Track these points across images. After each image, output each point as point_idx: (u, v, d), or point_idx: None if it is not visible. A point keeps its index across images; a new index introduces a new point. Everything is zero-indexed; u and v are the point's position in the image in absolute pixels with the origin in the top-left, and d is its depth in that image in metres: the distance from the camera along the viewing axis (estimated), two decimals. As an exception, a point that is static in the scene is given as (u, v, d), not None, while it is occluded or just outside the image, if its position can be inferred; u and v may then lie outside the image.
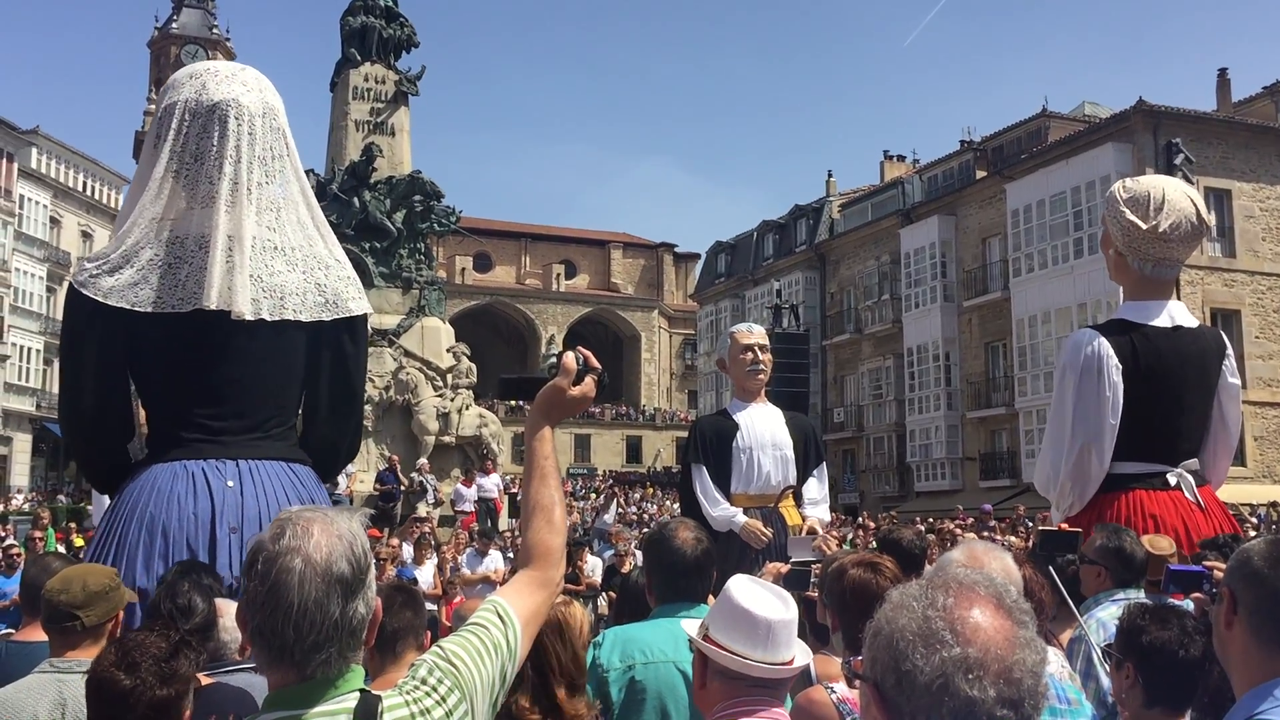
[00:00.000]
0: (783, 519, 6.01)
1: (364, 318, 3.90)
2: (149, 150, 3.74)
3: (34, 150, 47.24)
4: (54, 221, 48.41)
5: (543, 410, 2.27)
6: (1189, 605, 3.25)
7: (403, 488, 19.98)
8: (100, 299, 3.53)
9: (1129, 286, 4.94)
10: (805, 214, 50.82)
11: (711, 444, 6.11)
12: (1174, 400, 4.74)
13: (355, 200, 23.08)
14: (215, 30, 69.45)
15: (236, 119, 3.62)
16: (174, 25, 68.32)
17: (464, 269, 72.31)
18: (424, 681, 1.81)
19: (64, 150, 50.52)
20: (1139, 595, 4.08)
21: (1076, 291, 33.98)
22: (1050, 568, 3.94)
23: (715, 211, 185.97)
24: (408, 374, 21.98)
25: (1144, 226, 4.68)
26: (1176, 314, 4.83)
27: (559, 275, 76.67)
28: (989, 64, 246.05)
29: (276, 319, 3.60)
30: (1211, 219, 5.02)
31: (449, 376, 22.49)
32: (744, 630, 2.38)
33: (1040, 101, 56.32)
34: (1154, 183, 4.85)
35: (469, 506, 19.48)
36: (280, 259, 3.64)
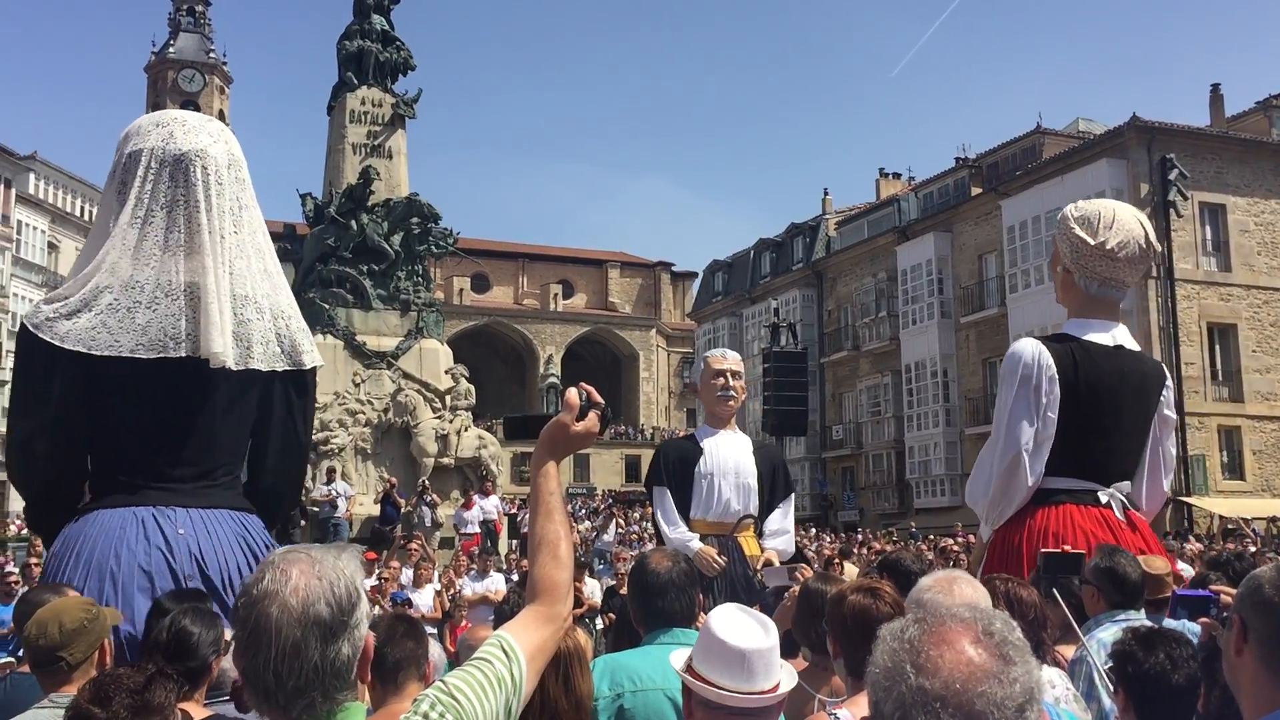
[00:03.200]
0: (740, 549, 5.93)
1: (314, 371, 3.92)
2: (110, 196, 3.71)
3: (31, 176, 47.35)
4: (52, 247, 48.48)
5: (547, 446, 2.27)
6: (1195, 629, 3.25)
7: (404, 509, 19.96)
8: (57, 343, 3.48)
9: (1075, 305, 4.95)
10: (802, 232, 50.95)
11: (674, 467, 6.07)
12: (1111, 418, 4.73)
13: (353, 223, 23.11)
14: (212, 54, 69.74)
15: (204, 169, 3.62)
16: (171, 49, 68.61)
17: (461, 290, 72.40)
18: (425, 716, 1.81)
19: (61, 175, 50.63)
20: (1140, 616, 4.09)
21: (1073, 307, 33.95)
22: (1054, 589, 3.95)
23: (712, 230, 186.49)
24: (406, 396, 21.98)
25: (1091, 243, 4.73)
26: (1119, 336, 4.86)
27: (556, 295, 76.76)
28: (983, 81, 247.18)
29: (242, 368, 3.61)
30: (1159, 245, 5.04)
31: (448, 398, 22.48)
32: (722, 661, 2.41)
33: (1035, 118, 56.53)
34: (1105, 204, 4.93)
35: (472, 529, 19.45)
36: (250, 308, 3.66)
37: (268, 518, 3.93)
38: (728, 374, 6.19)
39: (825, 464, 47.60)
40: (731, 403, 6.21)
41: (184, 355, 3.52)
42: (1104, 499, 4.74)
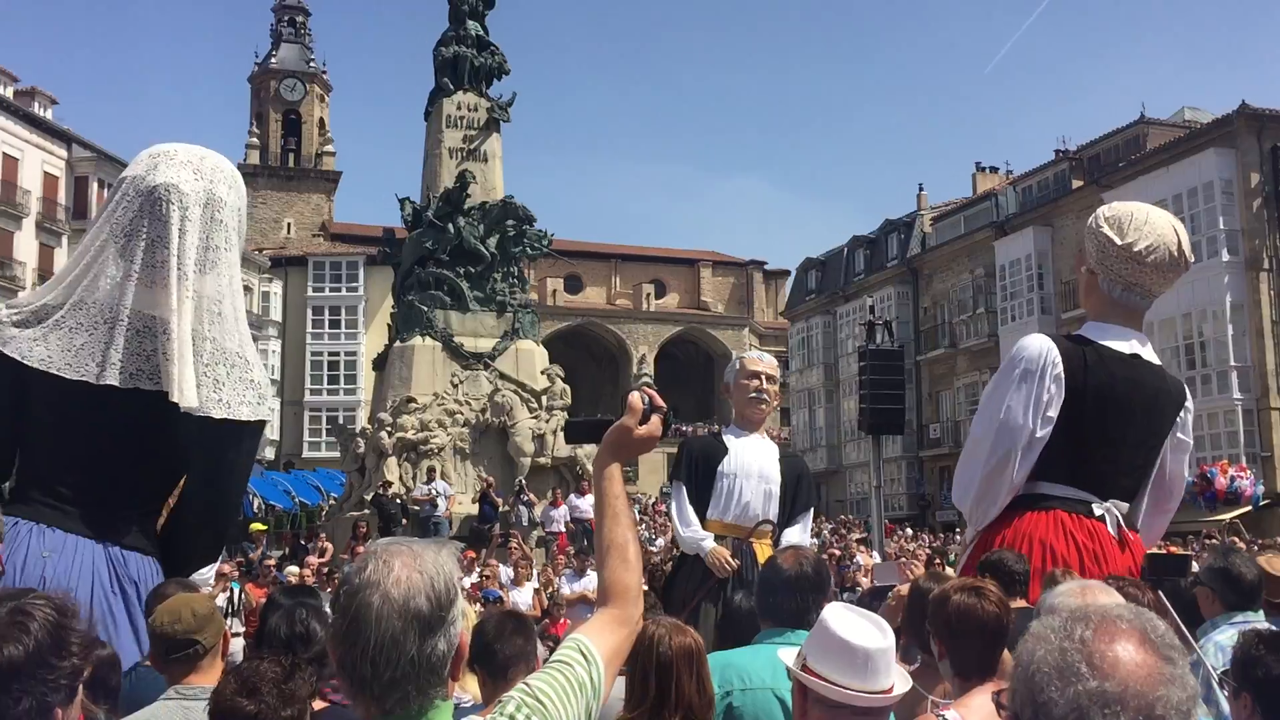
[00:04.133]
0: (754, 554, 5.77)
1: (254, 426, 3.77)
2: (96, 217, 3.81)
3: (142, 185, 48.94)
4: (161, 253, 50.06)
5: (611, 450, 2.27)
6: None
7: (502, 509, 20.22)
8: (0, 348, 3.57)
9: (1095, 308, 4.73)
10: (896, 228, 50.31)
11: (697, 464, 5.96)
12: (1116, 429, 4.50)
13: (450, 226, 23.46)
14: (312, 64, 71.28)
15: (169, 204, 3.63)
16: (273, 60, 70.28)
17: (555, 290, 72.94)
18: (511, 717, 1.82)
19: (170, 184, 52.25)
20: (1258, 618, 3.98)
21: (1180, 302, 33.05)
22: (1159, 592, 3.86)
23: (804, 227, 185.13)
24: (503, 396, 22.24)
25: (1119, 243, 4.52)
26: (1139, 346, 4.63)
27: (649, 295, 76.87)
28: (1084, 71, 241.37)
29: (162, 401, 3.56)
30: (1191, 257, 4.69)
31: (544, 398, 22.69)
32: (843, 659, 2.39)
33: (1138, 108, 55.01)
34: (1139, 206, 4.71)
35: (558, 527, 19.61)
36: (209, 346, 3.65)
37: (179, 560, 3.84)
38: (763, 376, 6.06)
39: (922, 463, 46.94)
40: (764, 406, 6.08)
41: (107, 384, 3.50)
42: (1098, 511, 4.52)
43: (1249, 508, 27.97)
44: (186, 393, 3.53)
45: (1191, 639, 3.84)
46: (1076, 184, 40.18)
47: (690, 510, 5.88)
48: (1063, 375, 4.48)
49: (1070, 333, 4.81)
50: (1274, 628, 3.42)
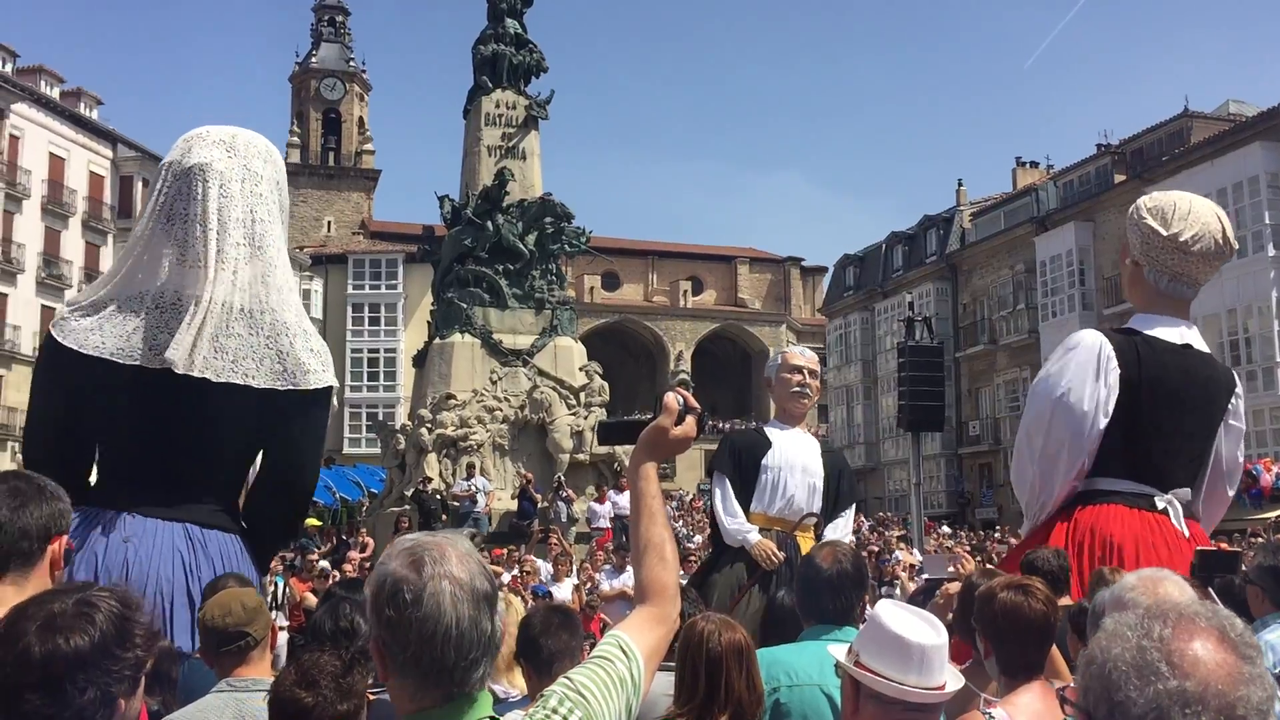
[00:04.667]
0: (798, 547, 5.75)
1: (325, 391, 3.77)
2: (143, 208, 3.84)
3: (185, 184, 49.51)
4: (204, 251, 50.62)
5: (646, 451, 2.29)
6: None
7: (540, 505, 20.30)
8: (60, 339, 3.62)
9: (1142, 300, 4.68)
10: (935, 224, 49.95)
11: (741, 457, 5.97)
12: (1172, 420, 4.46)
13: (489, 224, 23.57)
14: (352, 63, 71.78)
15: (205, 183, 3.65)
16: (314, 60, 70.84)
17: (592, 288, 73.05)
18: (555, 711, 1.84)
19: (212, 183, 52.83)
20: (1312, 616, 3.93)
21: (1225, 297, 32.64)
22: (1209, 589, 3.83)
23: (842, 223, 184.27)
24: (542, 393, 22.33)
25: (1164, 234, 4.48)
26: (1188, 335, 4.59)
27: (686, 292, 76.82)
28: (1126, 64, 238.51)
29: (223, 381, 3.57)
30: (1236, 244, 4.64)
31: (582, 395, 22.76)
32: (897, 655, 2.40)
33: (1181, 101, 54.31)
34: (1181, 196, 4.66)
35: (604, 523, 19.65)
36: (243, 322, 3.62)
37: (260, 539, 3.86)
38: (805, 371, 6.08)
39: (961, 460, 46.62)
40: (805, 401, 6.12)
41: (161, 368, 3.53)
42: (1160, 505, 4.48)
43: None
44: (179, 349, 3.51)
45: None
46: (1119, 178, 39.72)
47: (735, 502, 5.89)
48: (1118, 369, 4.45)
49: (1117, 326, 4.80)
50: None
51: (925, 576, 4.84)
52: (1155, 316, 4.61)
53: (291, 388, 3.68)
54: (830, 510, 6.03)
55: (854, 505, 6.28)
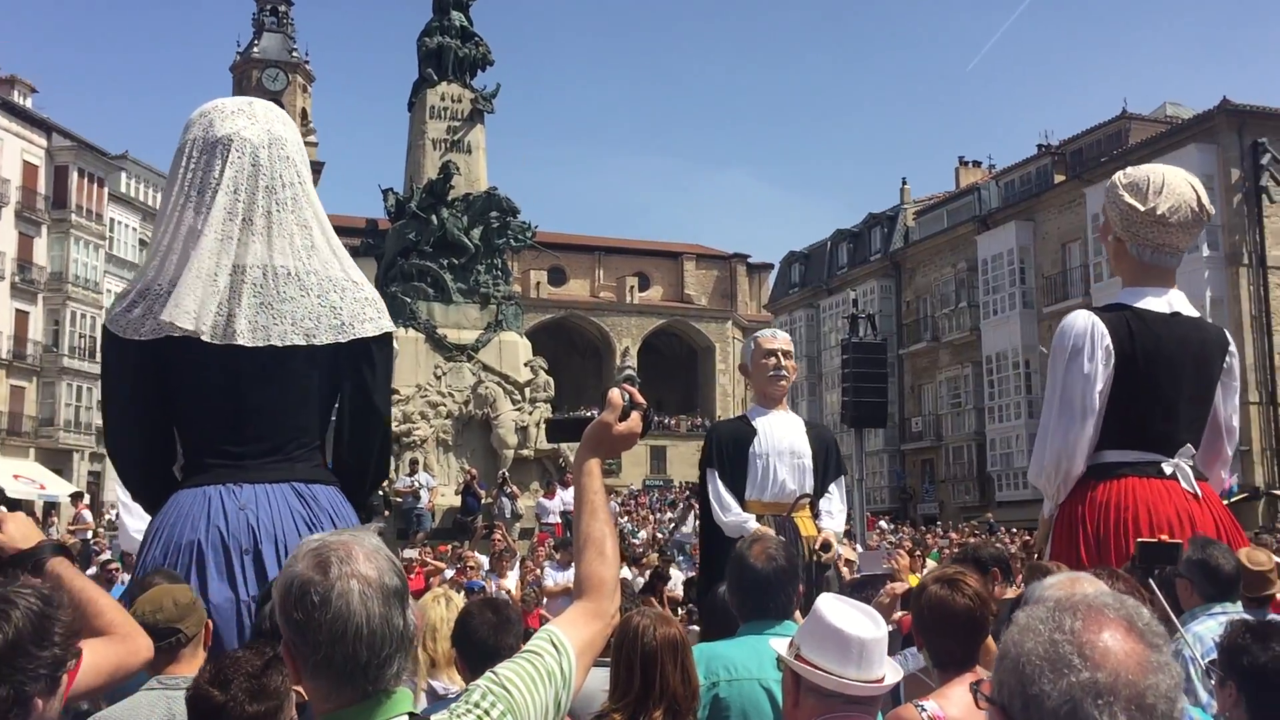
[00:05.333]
0: (797, 529, 5.89)
1: (384, 338, 3.86)
2: (166, 191, 3.85)
3: (123, 175, 48.62)
4: (143, 244, 49.67)
5: (590, 446, 2.29)
6: None
7: (485, 501, 20.20)
8: (121, 334, 3.65)
9: (1128, 274, 4.80)
10: (880, 222, 50.42)
11: (727, 449, 6.01)
12: (1172, 388, 4.58)
13: (433, 218, 23.41)
14: (295, 53, 70.95)
15: (239, 151, 3.68)
16: (255, 49, 69.93)
17: (539, 283, 72.86)
18: (477, 705, 1.84)
19: (152, 174, 51.89)
20: (1236, 609, 4.00)
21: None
22: (1150, 580, 3.88)
23: (788, 221, 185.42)
24: (486, 388, 22.22)
25: (1141, 209, 4.59)
26: (1176, 302, 4.70)
27: (633, 287, 76.88)
28: (1067, 67, 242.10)
29: (287, 344, 3.64)
30: (1212, 209, 4.81)
31: (527, 390, 22.68)
32: (837, 649, 2.40)
33: (1120, 103, 55.15)
34: (1154, 168, 4.78)
35: (554, 519, 19.59)
36: (293, 285, 3.67)
37: (352, 490, 3.95)
38: (779, 353, 6.15)
39: (904, 456, 47.11)
40: (783, 382, 6.17)
41: (216, 338, 3.58)
42: (1169, 470, 4.59)
43: (1225, 501, 28.15)
44: (182, 307, 3.53)
45: (1180, 627, 3.86)
46: (1059, 179, 40.34)
47: (728, 495, 5.92)
48: (1111, 346, 4.56)
49: (1108, 303, 4.89)
50: (1249, 618, 3.44)
51: (860, 572, 4.87)
52: (1142, 289, 4.72)
53: (353, 338, 3.75)
54: (820, 485, 6.11)
55: (843, 477, 6.36)
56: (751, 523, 5.77)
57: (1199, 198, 4.67)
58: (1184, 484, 4.58)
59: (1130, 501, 4.53)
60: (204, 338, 3.55)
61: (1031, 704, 1.34)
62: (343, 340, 3.71)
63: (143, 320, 3.61)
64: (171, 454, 3.83)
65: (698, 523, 24.96)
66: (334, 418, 3.97)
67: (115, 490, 5.29)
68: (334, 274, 3.77)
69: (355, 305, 3.76)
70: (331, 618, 1.72)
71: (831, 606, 2.48)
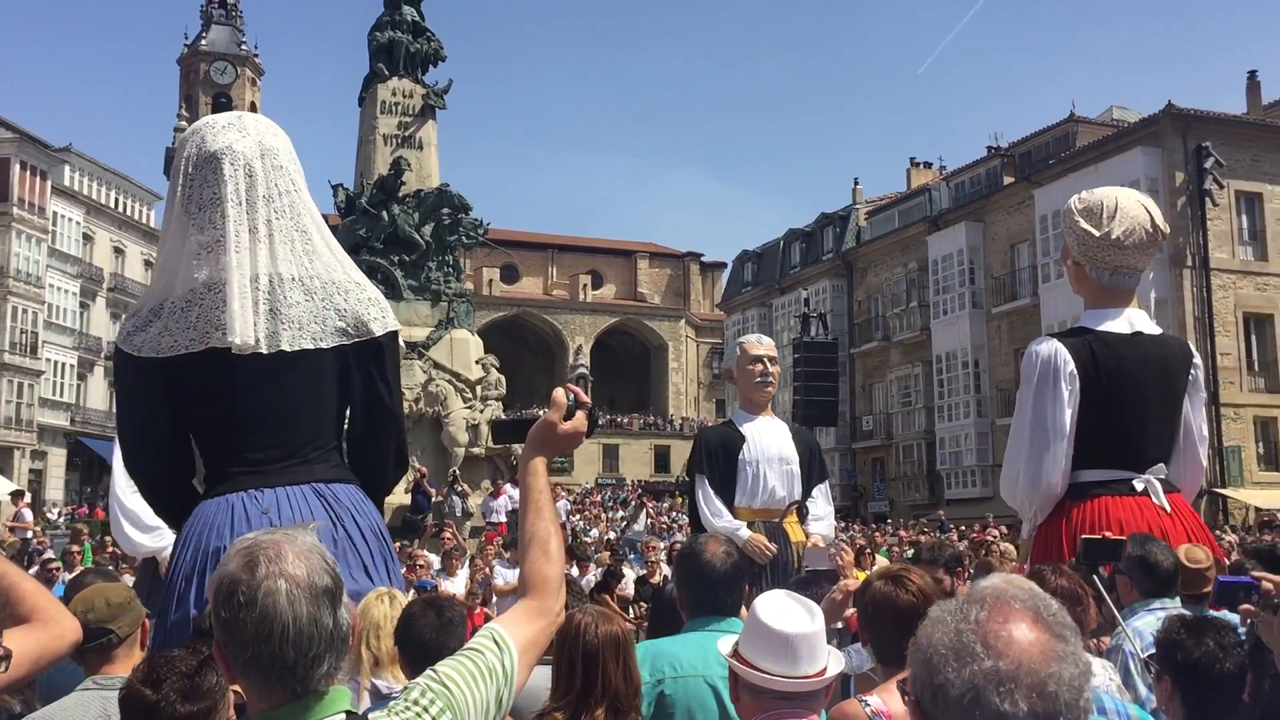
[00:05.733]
0: (786, 535, 5.92)
1: (390, 336, 3.91)
2: (166, 210, 3.91)
3: (66, 168, 47.80)
4: (86, 238, 48.97)
5: (535, 445, 2.31)
6: (1234, 617, 3.23)
7: (435, 499, 20.07)
8: (135, 354, 3.69)
9: (1089, 296, 4.93)
10: (832, 222, 50.74)
11: (717, 455, 6.00)
12: (1137, 406, 4.73)
13: (384, 214, 23.23)
14: (244, 46, 70.11)
15: (232, 164, 3.73)
16: (203, 42, 69.03)
17: (491, 280, 72.61)
18: (416, 702, 1.84)
19: (96, 167, 51.11)
20: (1175, 605, 4.06)
21: (1107, 297, 33.72)
22: (1095, 577, 3.93)
23: (742, 220, 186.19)
24: (437, 386, 22.08)
25: (1097, 234, 4.72)
26: (1136, 320, 4.83)
27: (585, 286, 76.85)
28: (1016, 69, 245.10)
29: (296, 349, 3.69)
30: (1167, 228, 4.95)
31: (478, 388, 22.58)
32: (767, 645, 2.42)
33: (1068, 106, 55.93)
34: (1107, 192, 4.89)
35: (499, 518, 19.52)
36: (298, 290, 3.73)
37: (372, 489, 3.99)
38: (765, 359, 6.16)
39: (855, 455, 47.45)
40: (770, 388, 6.19)
41: (230, 345, 3.64)
42: (1140, 487, 4.72)
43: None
44: (244, 330, 3.61)
45: (1121, 621, 3.91)
46: (1008, 180, 40.81)
47: (718, 501, 5.89)
48: (1074, 371, 4.70)
49: (1071, 327, 5.05)
50: (1186, 613, 3.49)
51: (806, 568, 4.88)
52: (1103, 311, 4.84)
53: (359, 340, 3.79)
54: (806, 489, 6.15)
55: (827, 480, 6.43)
56: (744, 530, 5.77)
57: (1153, 219, 4.78)
58: (1155, 499, 4.69)
59: (1103, 520, 4.64)
60: (245, 351, 3.61)
61: (938, 693, 1.36)
62: (348, 342, 3.76)
63: (159, 338, 3.66)
64: (191, 467, 3.89)
65: (649, 521, 25.01)
66: (350, 418, 4.01)
67: (115, 498, 5.34)
68: (336, 277, 3.81)
69: (360, 306, 3.81)
70: (258, 617, 1.71)
71: (765, 603, 2.50)
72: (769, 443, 6.06)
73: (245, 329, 3.62)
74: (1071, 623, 1.42)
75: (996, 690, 1.32)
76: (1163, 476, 4.79)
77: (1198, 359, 4.98)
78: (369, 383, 3.86)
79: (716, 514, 5.86)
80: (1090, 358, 4.70)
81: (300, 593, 1.72)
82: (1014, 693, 1.32)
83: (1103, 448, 4.72)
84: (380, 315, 3.85)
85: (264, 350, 3.65)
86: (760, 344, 6.28)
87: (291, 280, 3.74)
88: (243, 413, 3.72)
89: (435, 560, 13.64)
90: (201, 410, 3.76)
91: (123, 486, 5.32)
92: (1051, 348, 4.77)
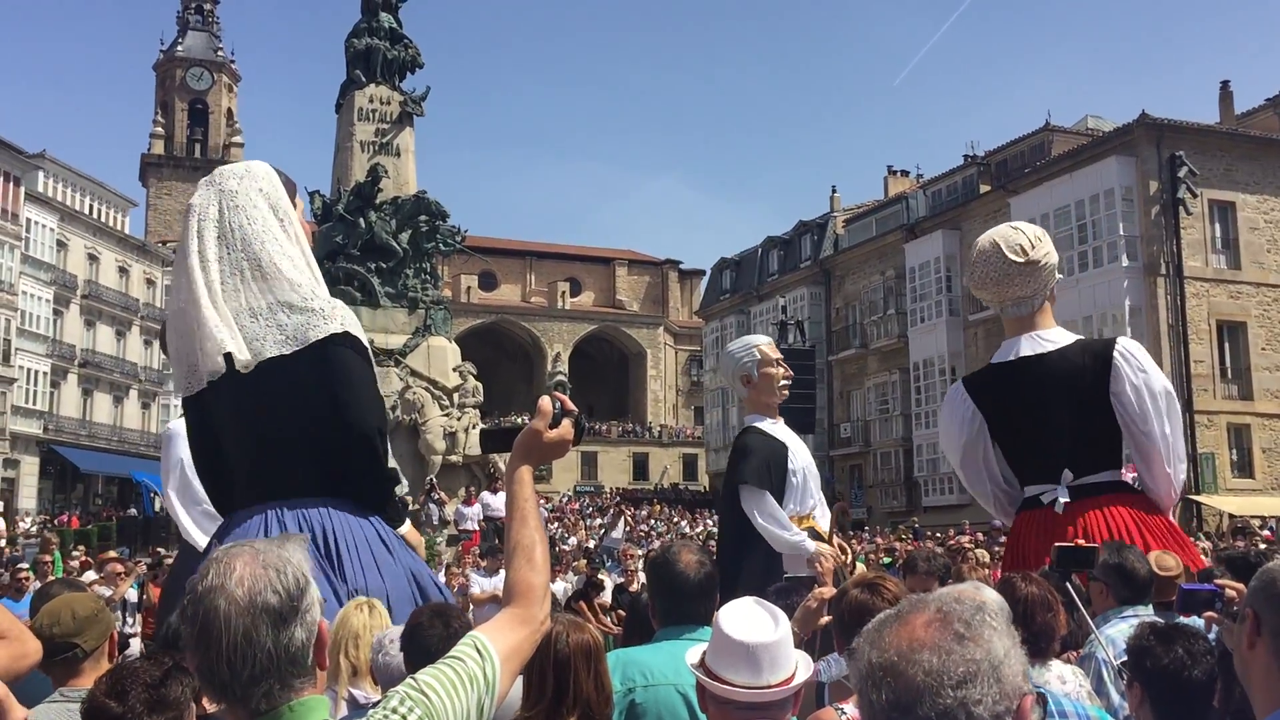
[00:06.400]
0: (821, 538, 5.77)
1: (335, 338, 3.85)
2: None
3: (40, 174, 47.43)
4: (60, 245, 48.57)
5: (521, 454, 2.32)
6: (1201, 624, 3.25)
7: (412, 507, 19.98)
8: (185, 395, 3.99)
9: (1006, 331, 5.23)
10: (810, 230, 50.90)
11: (770, 465, 5.74)
12: (1037, 424, 4.92)
13: (361, 221, 23.15)
14: (220, 53, 69.82)
15: (198, 215, 3.98)
16: (179, 48, 68.71)
17: (469, 288, 72.46)
18: (394, 710, 1.83)
19: (70, 174, 50.73)
20: (1147, 612, 4.08)
21: (1082, 304, 33.98)
22: (1067, 584, 3.94)
23: (720, 228, 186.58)
24: (414, 394, 22.00)
25: (974, 290, 5.15)
26: (1041, 341, 5.01)
27: (564, 293, 76.79)
28: (992, 78, 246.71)
29: (255, 364, 3.79)
30: (1036, 248, 5.04)
31: (455, 396, 22.51)
32: (730, 656, 2.42)
33: (1043, 115, 56.27)
34: (979, 241, 5.16)
35: (471, 525, 19.44)
36: (244, 315, 3.85)
37: (363, 492, 4.00)
38: (783, 362, 6.00)
39: (833, 462, 47.56)
40: (785, 392, 6.00)
41: (213, 380, 3.83)
42: (1046, 499, 4.91)
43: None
44: (241, 357, 3.77)
45: (1095, 628, 3.93)
46: (984, 189, 41.05)
47: (784, 515, 5.65)
48: (973, 407, 5.08)
49: (981, 367, 5.42)
50: (1157, 620, 3.51)
51: (785, 575, 4.87)
52: (1009, 342, 5.10)
53: (299, 348, 3.81)
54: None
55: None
56: (809, 542, 5.57)
57: (1000, 246, 4.97)
58: (1056, 509, 4.87)
59: (1014, 536, 5.05)
60: (206, 379, 3.83)
61: (860, 694, 1.41)
62: (288, 352, 3.79)
63: (187, 379, 3.92)
64: (227, 494, 4.08)
65: (627, 529, 24.86)
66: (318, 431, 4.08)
67: (170, 500, 5.48)
68: (282, 297, 3.88)
69: (301, 317, 3.85)
70: (199, 629, 1.72)
71: (729, 612, 2.49)
72: (800, 449, 5.95)
73: (208, 361, 3.79)
74: (978, 622, 1.38)
75: (870, 680, 1.36)
76: (1069, 482, 4.89)
77: (1122, 357, 4.93)
78: (325, 388, 3.82)
79: (785, 527, 5.60)
80: (984, 389, 5.07)
81: (237, 611, 1.71)
82: (881, 684, 1.35)
83: (1024, 466, 5.04)
84: (321, 322, 3.84)
85: (234, 367, 3.77)
86: (773, 345, 6.11)
87: (247, 309, 3.86)
88: (241, 437, 3.89)
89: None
90: (225, 438, 3.96)
91: (176, 501, 5.44)
92: (953, 392, 5.23)
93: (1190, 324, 33.34)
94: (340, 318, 3.91)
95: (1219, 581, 3.33)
